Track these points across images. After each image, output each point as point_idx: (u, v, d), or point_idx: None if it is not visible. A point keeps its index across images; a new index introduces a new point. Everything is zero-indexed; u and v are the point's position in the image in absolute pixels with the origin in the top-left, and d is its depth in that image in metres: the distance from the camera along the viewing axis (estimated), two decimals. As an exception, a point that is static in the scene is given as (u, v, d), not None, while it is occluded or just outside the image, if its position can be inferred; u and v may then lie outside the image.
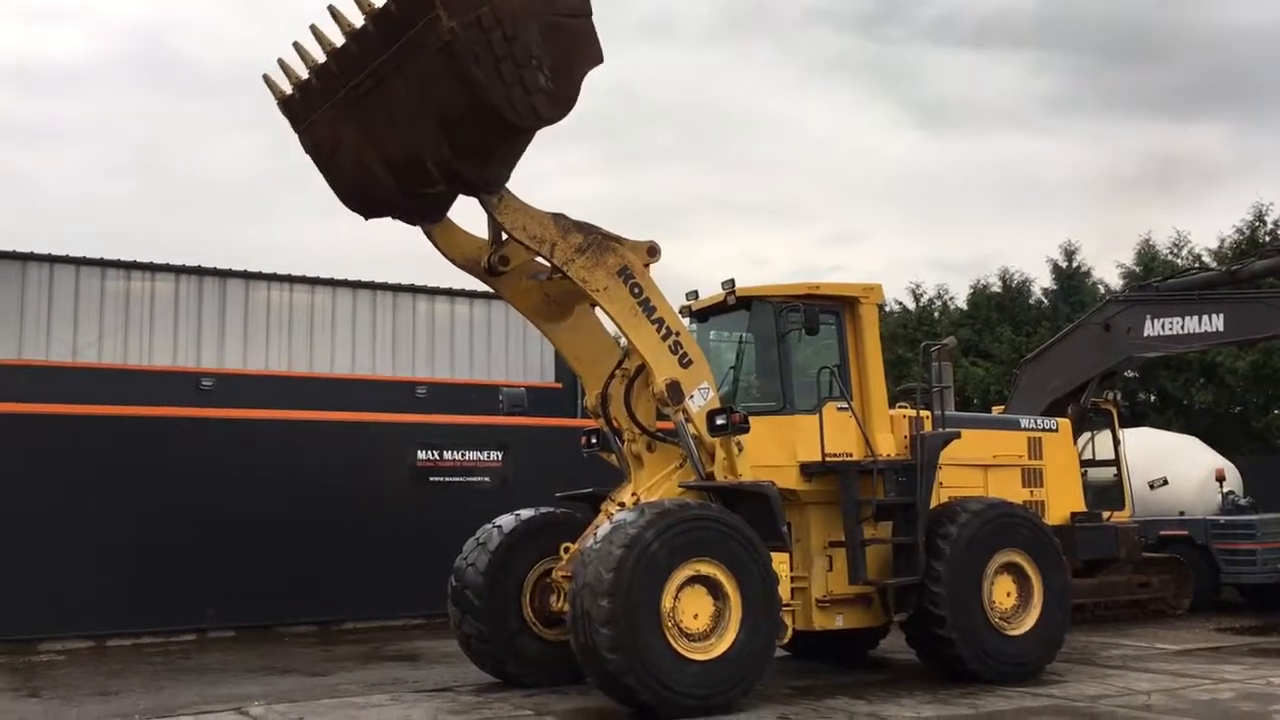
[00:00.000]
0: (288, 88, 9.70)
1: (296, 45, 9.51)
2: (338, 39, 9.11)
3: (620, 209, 73.77)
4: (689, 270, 53.34)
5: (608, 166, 76.02)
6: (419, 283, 26.22)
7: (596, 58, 8.90)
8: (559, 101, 8.75)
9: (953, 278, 49.45)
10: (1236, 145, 63.07)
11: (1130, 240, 41.53)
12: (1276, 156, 60.85)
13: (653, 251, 9.95)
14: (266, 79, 9.81)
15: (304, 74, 9.52)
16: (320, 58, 9.33)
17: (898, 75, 74.45)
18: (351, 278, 25.74)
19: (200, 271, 24.37)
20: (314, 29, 9.29)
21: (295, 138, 9.86)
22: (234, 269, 24.71)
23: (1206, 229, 43.65)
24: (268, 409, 16.35)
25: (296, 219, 64.75)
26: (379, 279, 25.91)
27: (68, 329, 22.95)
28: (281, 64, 9.69)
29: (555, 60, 8.65)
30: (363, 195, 9.75)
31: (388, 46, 8.64)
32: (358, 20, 8.88)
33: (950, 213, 69.48)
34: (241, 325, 24.55)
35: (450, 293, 26.41)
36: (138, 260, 23.76)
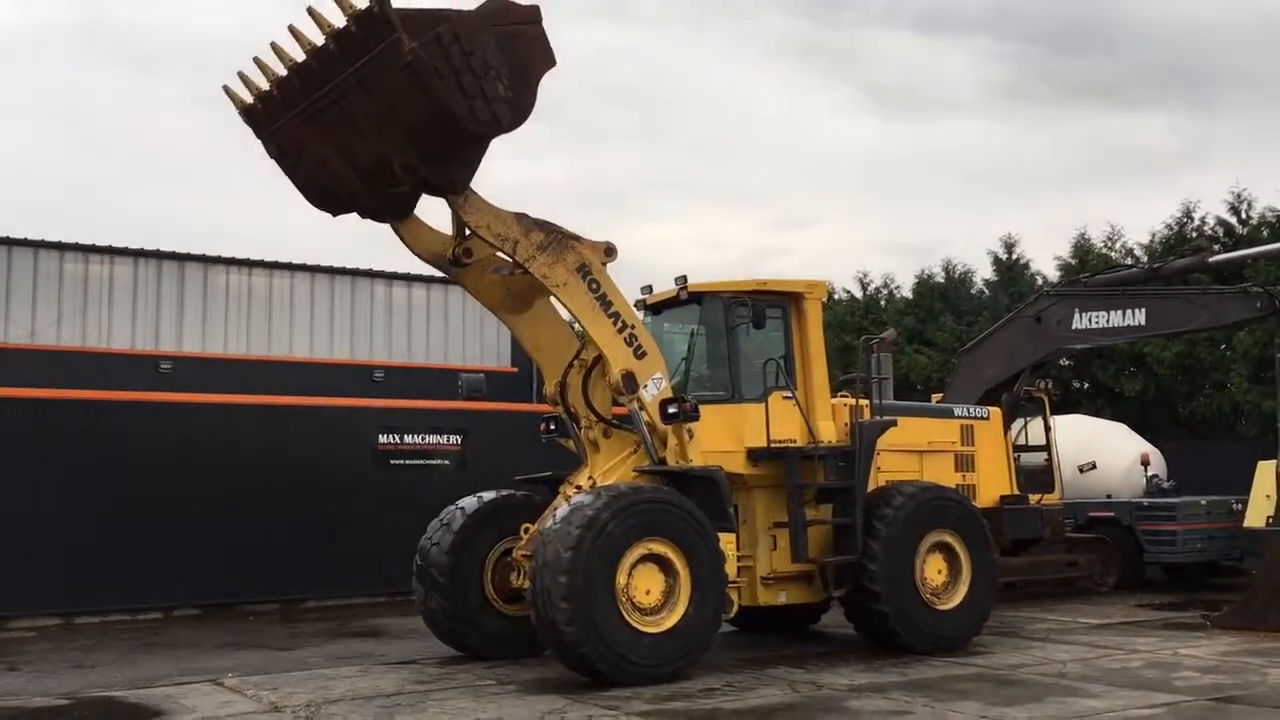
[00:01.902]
0: (248, 97, 10.03)
1: (256, 60, 9.83)
2: (298, 54, 9.46)
3: (574, 189, 74.05)
4: (642, 252, 53.85)
5: (561, 146, 76.28)
6: (377, 267, 26.61)
7: (549, 61, 9.41)
8: (518, 109, 9.27)
9: (903, 262, 50.39)
10: (1182, 134, 64.69)
11: (1076, 227, 42.73)
12: (1221, 145, 62.57)
13: (609, 252, 10.50)
14: (227, 90, 10.13)
15: (264, 85, 9.86)
16: (281, 71, 9.68)
17: (850, 60, 75.41)
18: (310, 262, 26.07)
19: (159, 255, 24.57)
20: (274, 45, 9.63)
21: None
22: (192, 253, 24.95)
23: (1151, 217, 45.02)
24: (228, 393, 16.76)
25: (246, 197, 64.37)
26: (338, 264, 26.26)
27: (25, 311, 23.09)
28: (241, 76, 10.01)
29: (512, 68, 9.14)
30: (329, 196, 10.21)
31: (350, 63, 9.01)
32: (318, 38, 9.21)
33: (902, 197, 70.60)
34: (200, 309, 24.81)
35: (408, 278, 26.79)
36: (96, 244, 23.94)
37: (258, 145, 10.30)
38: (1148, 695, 8.83)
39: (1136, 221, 49.29)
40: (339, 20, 9.00)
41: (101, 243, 23.98)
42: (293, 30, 9.40)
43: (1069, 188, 62.48)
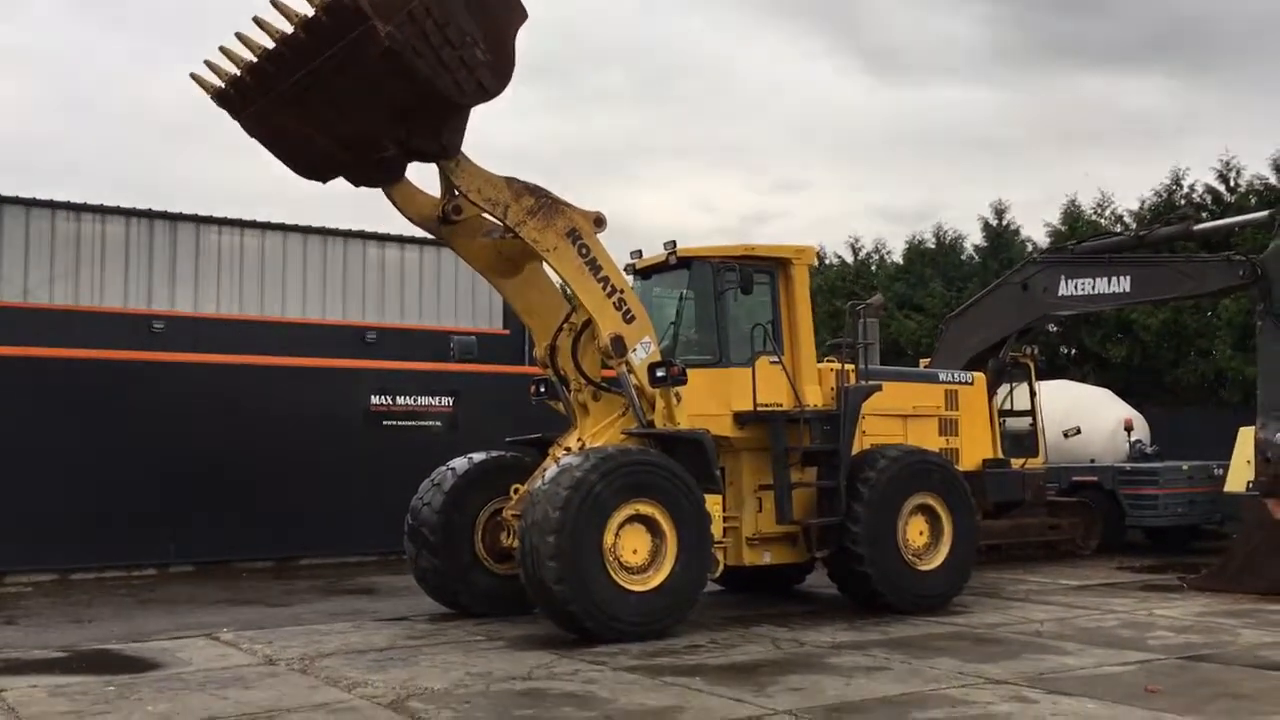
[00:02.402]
0: (219, 82, 9.84)
1: (223, 49, 9.66)
2: (268, 43, 9.24)
3: (565, 151, 73.77)
4: (636, 215, 53.84)
5: (551, 108, 75.87)
6: (370, 229, 26.64)
7: (522, 14, 9.28)
8: (500, 71, 9.22)
9: (897, 226, 50.61)
10: (1179, 98, 64.61)
11: (1066, 194, 42.82)
12: (1217, 109, 62.50)
13: (599, 222, 10.59)
14: (194, 77, 9.95)
15: (235, 70, 9.65)
16: (251, 57, 9.45)
17: (846, 22, 74.98)
18: (303, 223, 26.10)
19: (151, 215, 24.58)
20: (240, 35, 9.45)
21: None
22: (185, 213, 24.94)
23: (1146, 182, 45.09)
24: (219, 353, 16.89)
25: (238, 155, 64.10)
26: (330, 224, 26.28)
27: (18, 270, 23.14)
28: (209, 64, 9.83)
29: (486, 30, 9.05)
30: (316, 168, 10.26)
31: (325, 48, 8.82)
32: (287, 26, 8.99)
33: (897, 161, 70.50)
34: (193, 269, 24.86)
35: (401, 239, 26.84)
36: (88, 202, 23.95)
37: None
38: (1121, 653, 9.06)
39: (1133, 186, 49.34)
40: (305, 8, 8.80)
41: (94, 201, 24.01)
42: (258, 21, 9.20)
43: (1064, 151, 62.48)
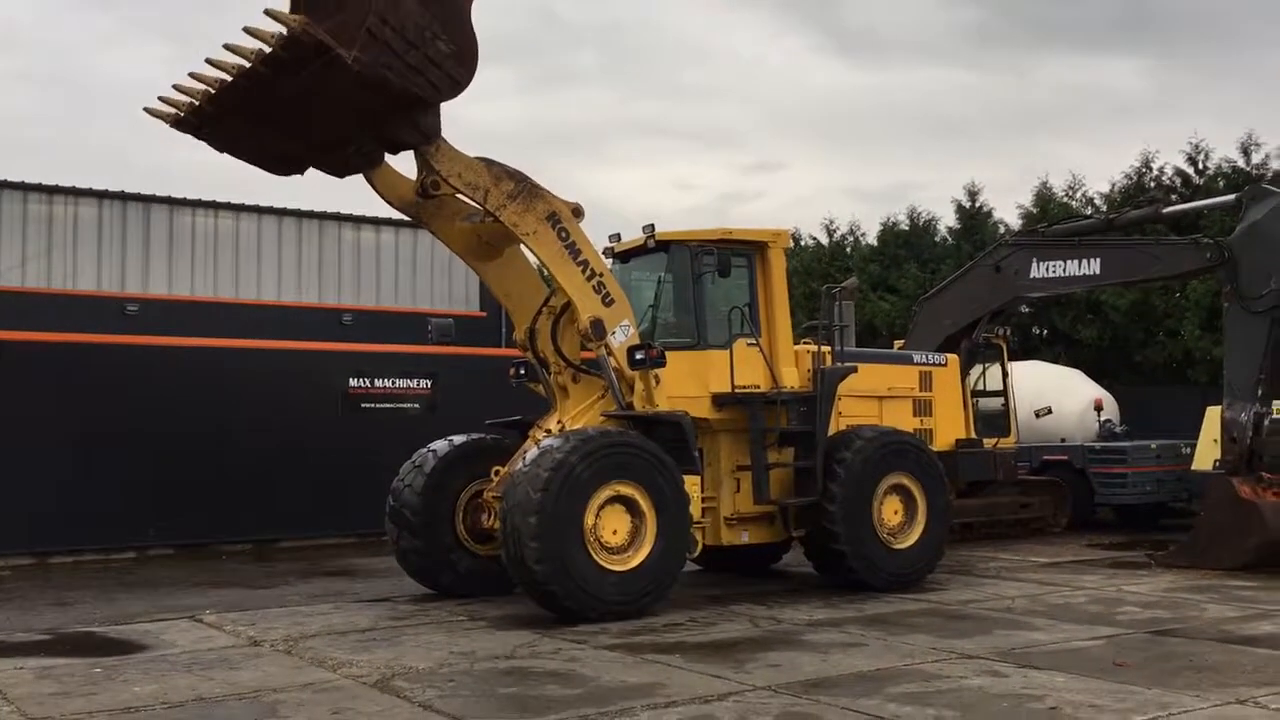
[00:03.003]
0: (176, 111, 9.92)
1: (177, 86, 9.75)
2: (226, 76, 9.23)
3: (543, 133, 73.57)
4: (610, 195, 53.79)
5: (527, 89, 75.61)
6: (345, 210, 26.54)
7: None
8: (466, 58, 9.23)
9: (872, 206, 50.82)
10: (1152, 79, 65.07)
11: (1038, 176, 43.16)
12: (1191, 90, 63.01)
13: (577, 213, 10.65)
14: (149, 110, 10.00)
15: (192, 100, 9.70)
16: (209, 88, 9.45)
17: (820, 4, 74.98)
18: (277, 205, 25.98)
19: (124, 196, 24.41)
20: (193, 74, 9.52)
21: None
22: (157, 194, 24.78)
23: (1120, 162, 45.49)
24: (194, 335, 16.87)
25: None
26: (305, 206, 26.17)
27: (-11, 252, 22.94)
28: (162, 99, 9.90)
29: (442, 20, 9.01)
30: (292, 165, 10.32)
31: (289, 79, 8.80)
32: (244, 62, 8.94)
33: (871, 142, 70.72)
34: (166, 251, 24.71)
35: (376, 221, 26.77)
36: (60, 184, 23.75)
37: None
38: (1090, 628, 9.29)
39: (1106, 167, 49.78)
40: (260, 44, 8.72)
41: (65, 183, 23.81)
42: (211, 62, 9.20)
43: (1040, 134, 62.84)
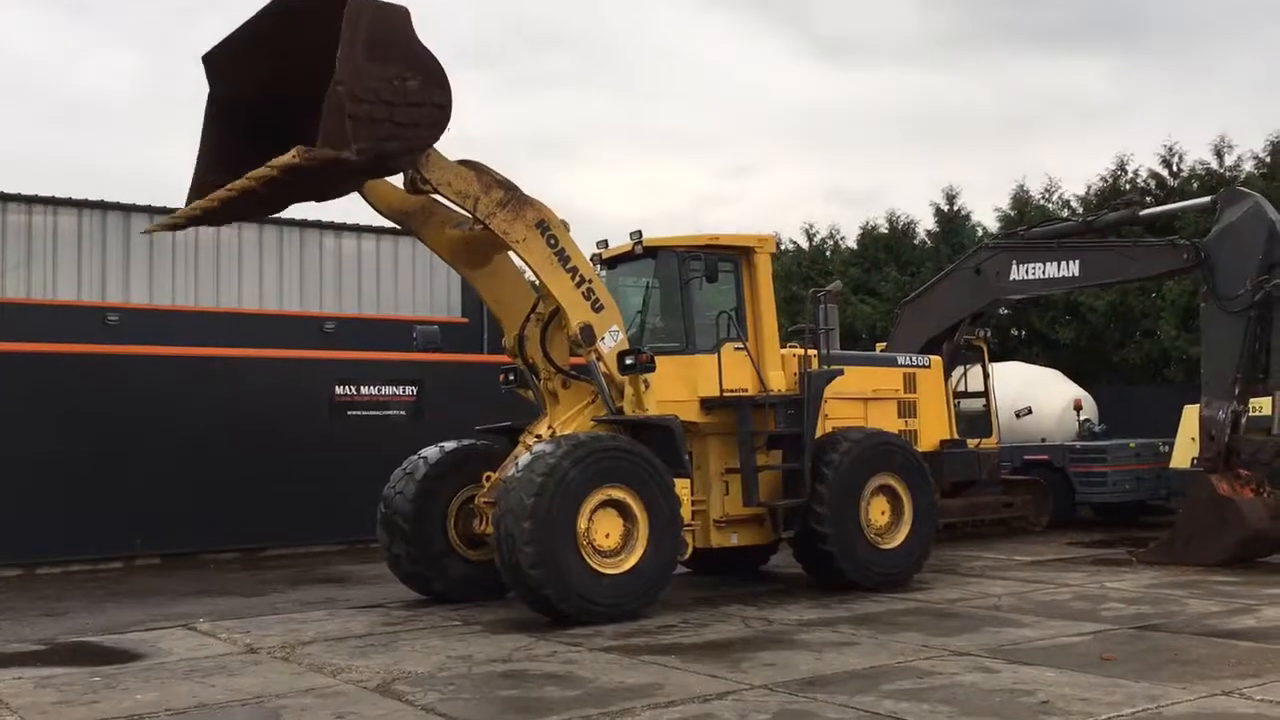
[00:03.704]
0: (175, 222, 10.49)
1: (179, 211, 10.30)
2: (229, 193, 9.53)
3: (518, 137, 73.56)
4: (588, 200, 53.86)
5: (501, 93, 75.64)
6: (326, 218, 26.52)
7: (402, 12, 9.09)
8: (435, 78, 9.25)
9: (849, 211, 51.18)
10: (1121, 82, 65.74)
11: (1015, 179, 43.49)
12: (1159, 93, 63.70)
13: (564, 226, 10.77)
14: (152, 230, 10.68)
15: (192, 213, 10.13)
16: (212, 204, 9.80)
17: (794, 7, 75.37)
18: (258, 213, 25.89)
19: (104, 206, 24.34)
20: (190, 203, 9.98)
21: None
22: (138, 204, 24.72)
23: (1091, 165, 46.00)
24: (175, 344, 16.88)
25: (181, 141, 63.23)
26: (286, 215, 26.07)
27: (-32, 263, 22.83)
28: (162, 224, 10.59)
29: (396, 58, 9.00)
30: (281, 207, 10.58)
31: (295, 177, 9.03)
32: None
33: (847, 146, 71.12)
34: (147, 260, 24.65)
35: (358, 229, 26.78)
36: (39, 194, 23.65)
37: (201, 92, 10.47)
38: (1076, 625, 9.45)
39: (1083, 169, 50.31)
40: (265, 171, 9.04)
41: (44, 193, 23.70)
42: (213, 193, 9.62)
43: (1013, 135, 63.36)
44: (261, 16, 9.53)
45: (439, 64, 9.31)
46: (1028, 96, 65.12)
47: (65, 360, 14.92)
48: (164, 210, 24.79)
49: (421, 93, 9.10)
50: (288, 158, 8.69)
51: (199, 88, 10.42)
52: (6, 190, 23.28)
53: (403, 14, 9.11)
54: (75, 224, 24.01)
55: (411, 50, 9.16)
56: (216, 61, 10.21)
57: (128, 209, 24.54)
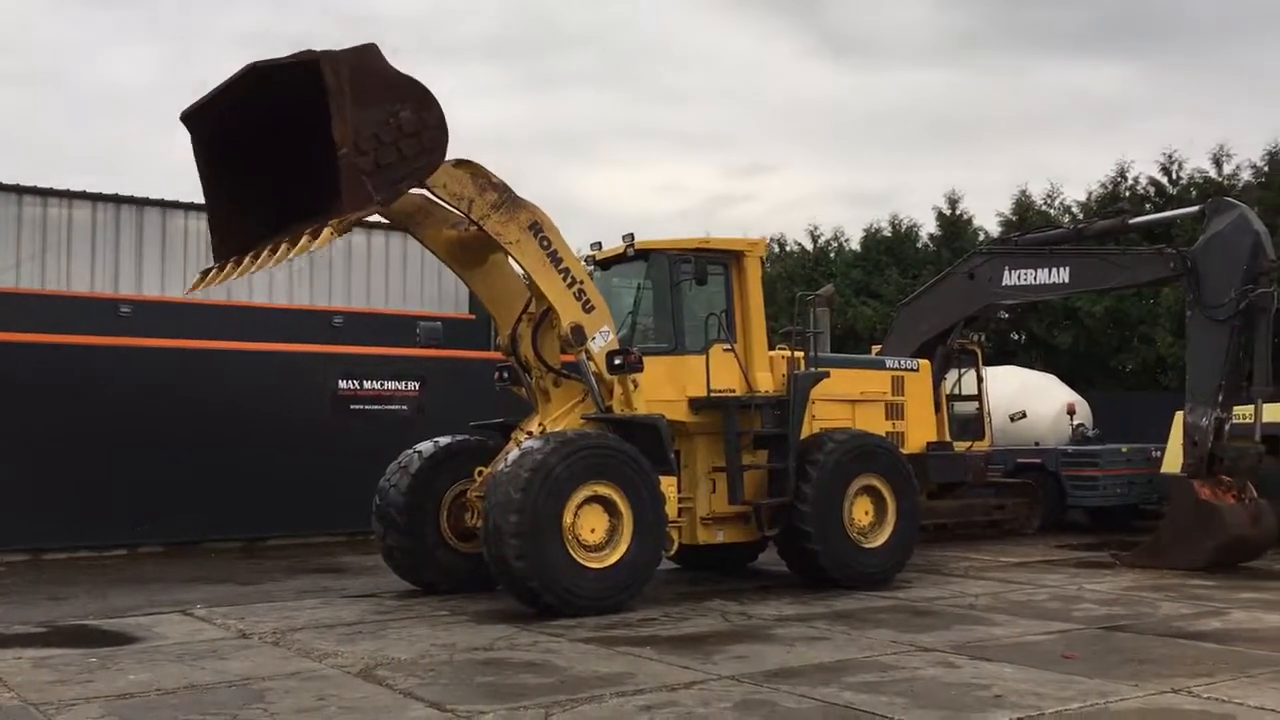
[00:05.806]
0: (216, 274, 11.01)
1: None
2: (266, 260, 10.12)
3: (534, 133, 73.94)
4: (602, 197, 54.13)
5: (519, 89, 75.97)
6: (335, 215, 26.79)
7: (373, 52, 9.38)
8: (424, 101, 9.56)
9: (861, 210, 51.35)
10: (1144, 84, 65.66)
11: (1017, 184, 43.57)
12: (1182, 94, 63.60)
13: (557, 230, 11.04)
14: (193, 290, 11.32)
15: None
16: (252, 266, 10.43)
17: (811, 7, 75.48)
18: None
19: (118, 199, 24.75)
20: (215, 247, 10.82)
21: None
22: (150, 197, 25.13)
23: (1107, 169, 45.96)
24: (187, 337, 17.21)
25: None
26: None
27: (-16, 254, 23.27)
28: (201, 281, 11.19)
29: (380, 95, 9.27)
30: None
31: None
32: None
33: (863, 146, 71.20)
34: (159, 253, 25.06)
35: (366, 225, 27.05)
36: (54, 187, 24.08)
37: (212, 82, 10.79)
38: (1046, 624, 9.69)
39: (1092, 171, 50.27)
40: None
41: (59, 186, 24.15)
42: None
43: (1032, 137, 63.34)
44: (234, 82, 9.82)
45: (420, 83, 9.63)
46: (1047, 98, 65.15)
47: (74, 351, 15.26)
48: (176, 204, 25.27)
49: (416, 120, 9.43)
50: (326, 235, 9.22)
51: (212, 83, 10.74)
52: (24, 183, 23.72)
53: (373, 51, 9.44)
54: (90, 217, 24.44)
55: (392, 82, 9.46)
56: (196, 118, 10.50)
57: (140, 203, 24.96)
